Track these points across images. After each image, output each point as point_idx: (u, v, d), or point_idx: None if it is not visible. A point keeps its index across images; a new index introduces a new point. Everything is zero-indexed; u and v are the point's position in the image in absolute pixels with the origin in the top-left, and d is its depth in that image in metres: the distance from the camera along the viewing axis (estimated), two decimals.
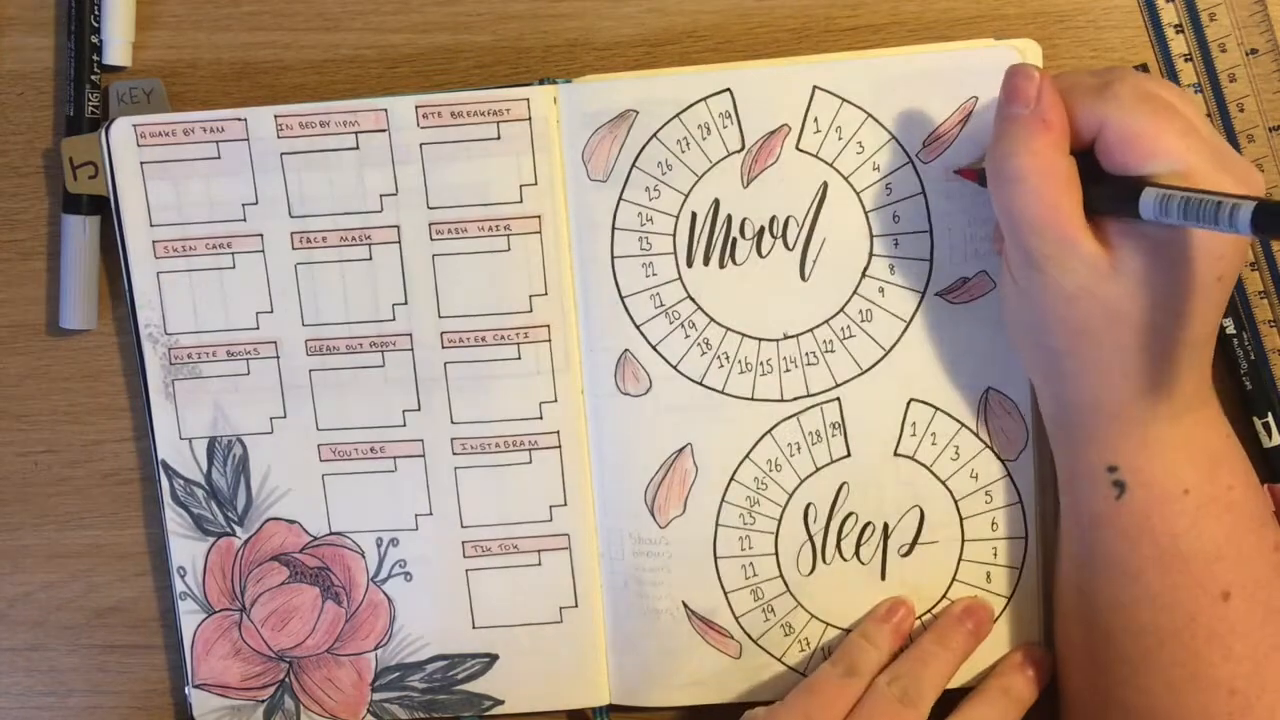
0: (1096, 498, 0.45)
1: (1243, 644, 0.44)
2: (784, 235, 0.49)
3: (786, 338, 0.50)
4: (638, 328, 0.50)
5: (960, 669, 0.50)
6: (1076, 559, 0.47)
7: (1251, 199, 0.37)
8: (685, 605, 0.51)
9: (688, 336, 0.50)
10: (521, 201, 0.50)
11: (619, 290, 0.50)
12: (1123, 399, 0.44)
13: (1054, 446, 0.48)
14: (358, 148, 0.50)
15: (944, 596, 0.51)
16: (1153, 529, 0.44)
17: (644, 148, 0.49)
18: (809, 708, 0.48)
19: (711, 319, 0.50)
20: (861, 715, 0.47)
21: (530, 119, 0.49)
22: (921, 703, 0.48)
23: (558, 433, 0.51)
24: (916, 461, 0.50)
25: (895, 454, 0.50)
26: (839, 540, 0.51)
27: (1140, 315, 0.42)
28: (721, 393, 0.50)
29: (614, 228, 0.49)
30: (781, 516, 0.51)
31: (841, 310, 0.49)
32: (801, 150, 0.49)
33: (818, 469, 0.50)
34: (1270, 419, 0.50)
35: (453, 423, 0.51)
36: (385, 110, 0.49)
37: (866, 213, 0.49)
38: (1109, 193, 0.42)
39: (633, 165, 0.49)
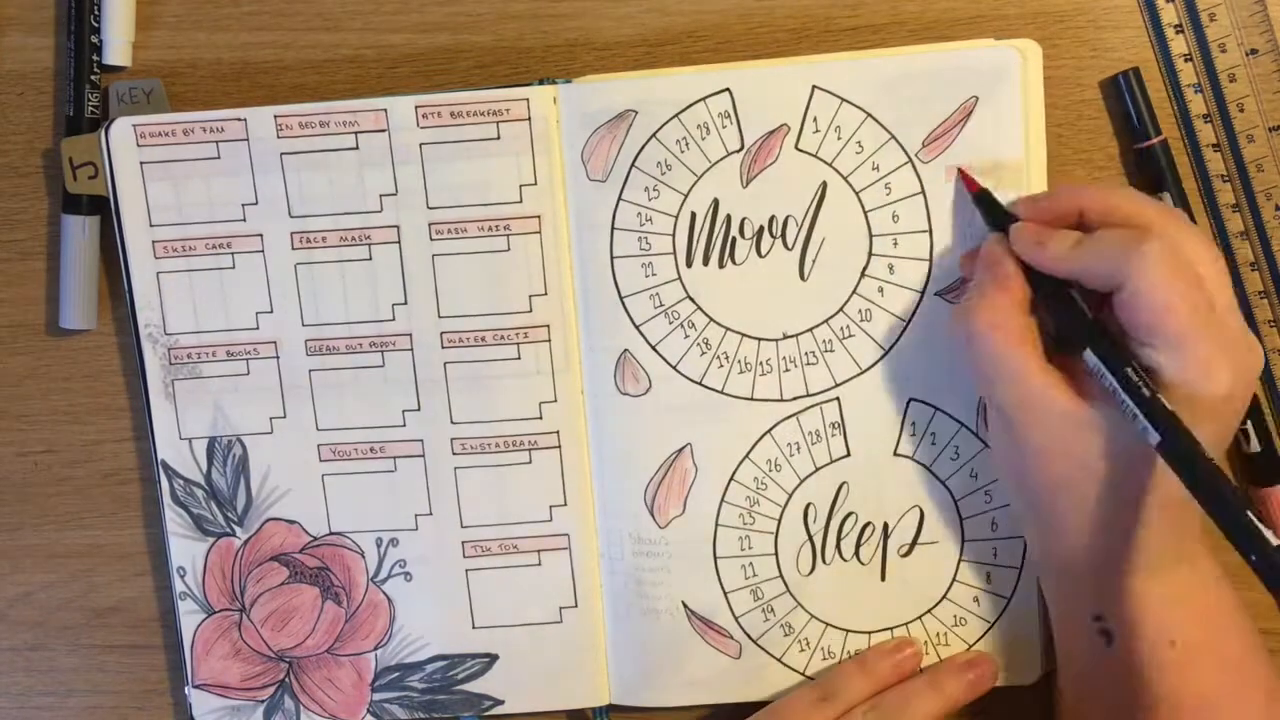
0: (1085, 644, 0.46)
1: None
2: (783, 235, 0.50)
3: (786, 337, 0.50)
4: (637, 328, 0.50)
5: None
6: (1070, 695, 0.48)
7: (1160, 428, 0.40)
8: (685, 605, 0.52)
9: (687, 336, 0.50)
10: (521, 201, 0.50)
11: (618, 290, 0.50)
12: (1102, 551, 0.44)
13: (1044, 589, 0.49)
14: (357, 148, 0.50)
15: (944, 597, 0.51)
16: (1140, 678, 0.45)
17: (643, 148, 0.49)
18: None
19: (711, 319, 0.50)
20: None
21: (530, 119, 0.49)
22: None
23: (558, 433, 0.51)
24: (916, 461, 0.50)
25: (895, 454, 0.50)
26: (839, 540, 0.51)
27: (1113, 470, 0.43)
28: (721, 393, 0.50)
29: (613, 228, 0.50)
30: (781, 516, 0.51)
31: (841, 310, 0.50)
32: (801, 150, 0.49)
33: (817, 469, 0.51)
34: (1249, 425, 0.51)
35: (453, 423, 0.52)
36: (385, 110, 0.50)
37: (866, 212, 0.49)
38: (1104, 344, 0.43)
39: (632, 165, 0.49)
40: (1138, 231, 0.43)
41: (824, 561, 0.51)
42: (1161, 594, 0.44)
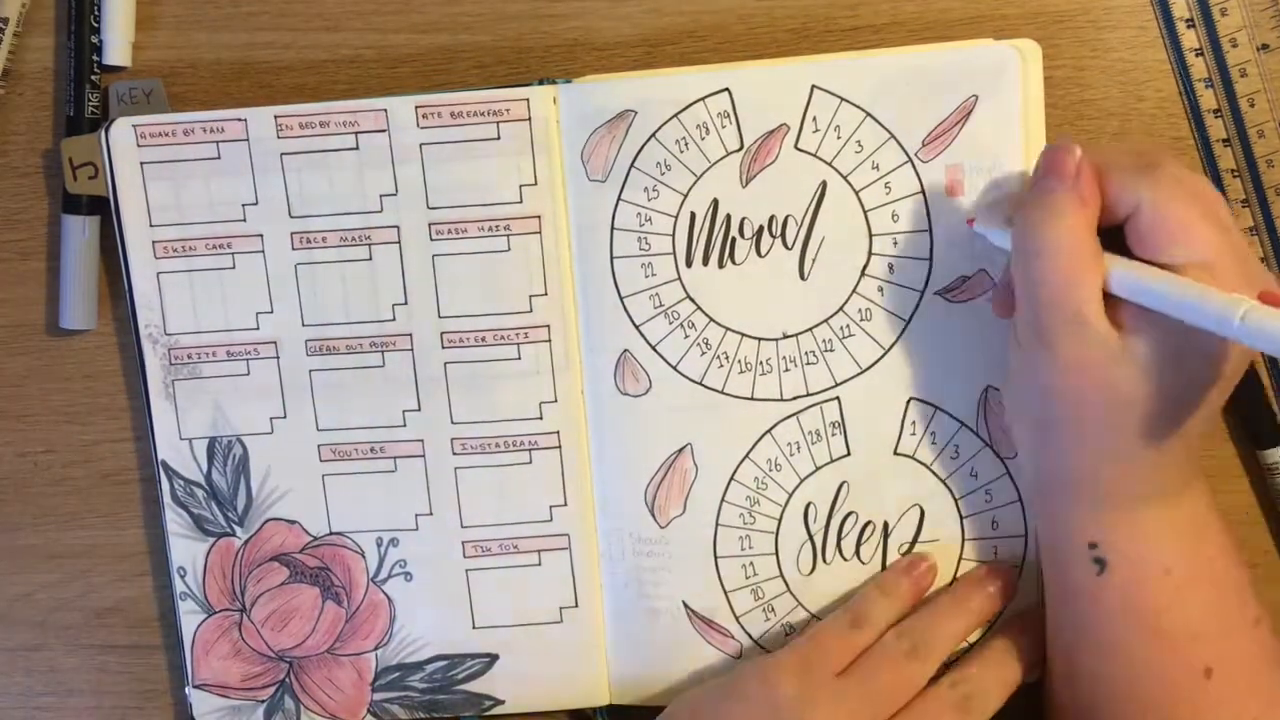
0: (1078, 572, 0.48)
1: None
2: (783, 234, 0.53)
3: (786, 337, 0.53)
4: (637, 328, 0.53)
5: None
6: (1061, 627, 0.50)
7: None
8: (685, 605, 0.55)
9: (687, 336, 0.53)
10: (521, 202, 0.53)
11: (618, 290, 0.53)
12: (1111, 479, 0.47)
13: (1037, 517, 0.51)
14: (358, 148, 0.53)
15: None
16: (1134, 606, 0.47)
17: (642, 148, 0.52)
18: (808, 655, 0.51)
19: (711, 319, 0.53)
20: (865, 666, 0.50)
21: (530, 119, 0.52)
22: (930, 658, 0.50)
23: (558, 433, 0.55)
24: (916, 460, 0.54)
25: (895, 453, 0.54)
26: (839, 539, 0.54)
27: (1141, 401, 0.44)
28: (721, 392, 0.53)
29: (613, 228, 0.53)
30: (781, 516, 0.54)
31: (841, 309, 0.53)
32: (800, 150, 0.52)
33: (817, 468, 0.54)
34: None
35: (453, 423, 0.55)
36: (385, 110, 0.53)
37: (865, 212, 0.52)
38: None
39: (631, 165, 0.52)
40: (1145, 159, 0.45)
41: (824, 561, 0.55)
42: (1159, 523, 0.47)
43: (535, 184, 0.53)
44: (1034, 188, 0.46)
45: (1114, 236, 0.46)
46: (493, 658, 0.56)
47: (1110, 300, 0.45)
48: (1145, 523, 0.47)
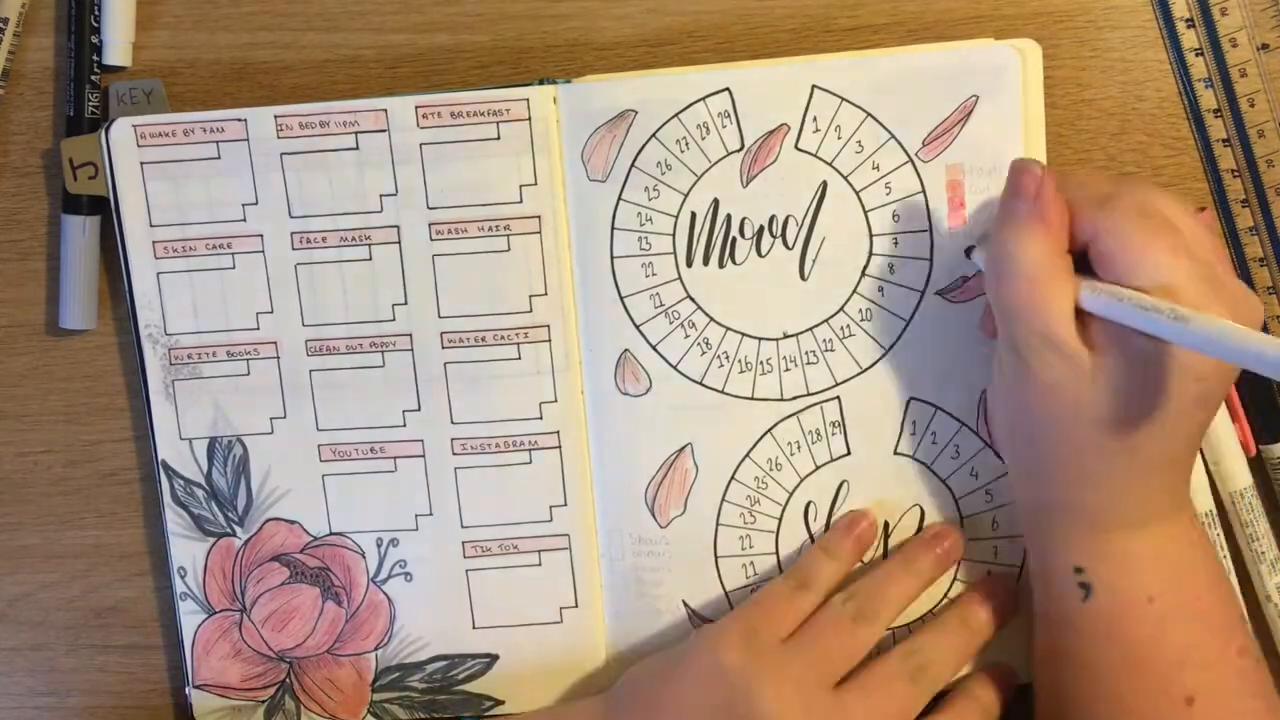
0: (1063, 596, 0.49)
1: None
2: (783, 234, 0.53)
3: (786, 337, 0.54)
4: (637, 328, 0.54)
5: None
6: (1045, 650, 0.51)
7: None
8: (685, 605, 0.55)
9: (687, 336, 0.54)
10: (521, 201, 0.54)
11: (619, 290, 0.54)
12: (1092, 504, 0.47)
13: (1026, 540, 0.52)
14: (358, 148, 0.53)
15: (945, 596, 0.55)
16: (1117, 633, 0.48)
17: (643, 148, 0.53)
18: (753, 622, 0.51)
19: (711, 319, 0.54)
20: (811, 631, 0.51)
21: (530, 119, 0.53)
22: (877, 621, 0.51)
23: (558, 433, 0.55)
24: (916, 460, 0.54)
25: (895, 453, 0.54)
26: None
27: (1115, 424, 0.45)
28: (721, 392, 0.54)
29: (613, 228, 0.53)
30: (782, 515, 0.55)
31: (841, 309, 0.53)
32: (801, 150, 0.53)
33: (818, 468, 0.54)
34: None
35: (453, 423, 0.55)
36: (385, 110, 0.53)
37: (866, 212, 0.53)
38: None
39: (632, 165, 0.53)
40: (1101, 190, 0.46)
41: None
42: (1143, 549, 0.47)
43: (535, 184, 0.54)
44: (1000, 208, 0.47)
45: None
46: (493, 658, 0.57)
47: (1086, 321, 0.46)
48: (1129, 551, 0.48)
